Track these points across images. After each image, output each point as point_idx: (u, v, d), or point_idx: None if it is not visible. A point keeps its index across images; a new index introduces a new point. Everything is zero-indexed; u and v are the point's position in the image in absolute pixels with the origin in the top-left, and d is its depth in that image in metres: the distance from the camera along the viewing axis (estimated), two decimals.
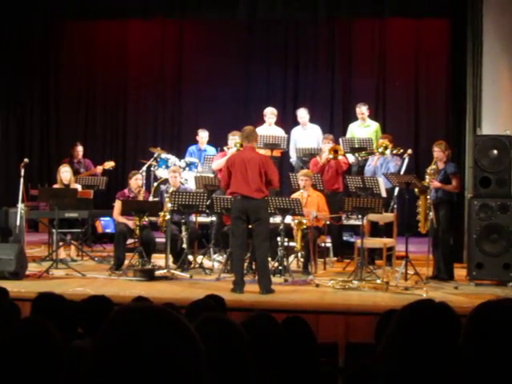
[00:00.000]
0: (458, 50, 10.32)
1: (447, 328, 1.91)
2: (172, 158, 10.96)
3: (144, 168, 10.80)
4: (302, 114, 11.18)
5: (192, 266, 9.30)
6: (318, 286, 8.22)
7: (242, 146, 8.63)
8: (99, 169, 11.24)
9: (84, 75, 13.74)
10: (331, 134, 10.64)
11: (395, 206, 9.27)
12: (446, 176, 8.59)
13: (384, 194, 9.37)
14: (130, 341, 1.36)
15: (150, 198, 9.91)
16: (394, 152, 9.86)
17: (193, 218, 9.84)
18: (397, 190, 9.22)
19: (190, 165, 10.85)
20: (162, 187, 10.08)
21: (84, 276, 8.66)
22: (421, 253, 9.19)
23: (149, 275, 8.58)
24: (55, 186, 10.10)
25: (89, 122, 13.72)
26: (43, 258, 9.62)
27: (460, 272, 8.77)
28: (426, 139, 12.20)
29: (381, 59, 13.01)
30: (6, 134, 12.98)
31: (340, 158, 10.11)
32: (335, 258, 10.16)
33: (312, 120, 11.32)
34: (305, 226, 8.77)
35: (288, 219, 8.76)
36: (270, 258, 8.45)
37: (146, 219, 9.23)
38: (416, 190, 8.64)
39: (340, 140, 10.48)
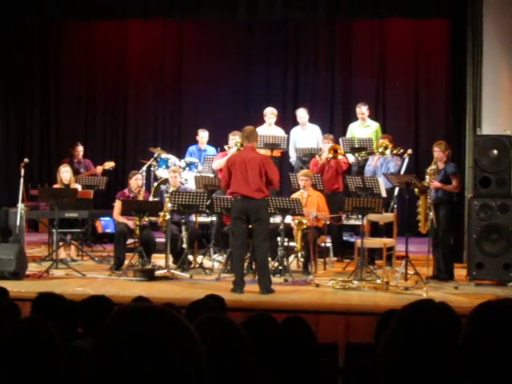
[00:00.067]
0: (457, 50, 10.32)
1: (447, 328, 1.91)
2: (172, 158, 10.96)
3: (144, 168, 10.80)
4: (302, 114, 11.18)
5: (192, 266, 9.30)
6: (317, 286, 8.22)
7: (242, 145, 8.64)
8: (99, 169, 11.24)
9: (84, 75, 13.74)
10: (331, 134, 10.64)
11: (395, 206, 9.27)
12: (446, 176, 8.59)
13: (384, 194, 9.37)
14: (130, 341, 1.36)
15: (150, 198, 9.91)
16: (394, 152, 9.86)
17: (193, 218, 9.84)
18: (397, 189, 9.22)
19: (190, 165, 10.85)
20: (162, 187, 10.08)
21: (84, 276, 8.66)
22: (421, 253, 9.19)
23: (149, 275, 8.58)
24: (55, 186, 10.10)
25: (89, 121, 13.72)
26: (43, 258, 9.62)
27: (460, 272, 8.77)
28: (426, 139, 12.20)
29: (381, 59, 13.01)
30: (6, 134, 12.98)
31: (340, 157, 10.11)
32: (335, 258, 10.16)
33: (312, 120, 11.32)
34: (305, 226, 8.77)
35: (288, 219, 8.76)
36: (270, 258, 8.45)
37: (146, 219, 9.23)
38: (416, 190, 8.64)
39: (340, 140, 10.48)
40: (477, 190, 8.61)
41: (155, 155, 11.03)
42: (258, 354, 2.36)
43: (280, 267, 8.66)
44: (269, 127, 10.92)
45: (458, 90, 10.23)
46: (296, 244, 8.92)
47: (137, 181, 9.71)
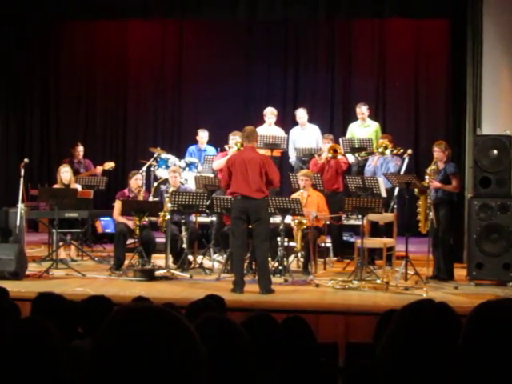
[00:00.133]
0: (458, 49, 10.32)
1: (447, 328, 1.91)
2: (172, 158, 10.96)
3: (144, 168, 10.80)
4: (301, 114, 11.18)
5: (192, 266, 9.30)
6: (317, 285, 8.22)
7: (242, 145, 8.64)
8: (99, 169, 11.24)
9: (84, 75, 13.74)
10: (331, 134, 10.65)
11: (395, 206, 9.27)
12: (445, 176, 8.59)
13: (384, 194, 9.37)
14: (129, 341, 1.36)
15: (150, 198, 9.91)
16: (394, 152, 9.86)
17: (193, 217, 9.84)
18: (397, 189, 9.21)
19: (190, 165, 10.85)
20: (162, 187, 10.08)
21: (84, 276, 8.66)
22: (421, 253, 9.19)
23: (149, 275, 8.58)
24: (55, 186, 10.10)
25: (89, 122, 13.73)
26: (43, 258, 9.62)
27: (460, 272, 8.77)
28: (426, 139, 12.20)
29: (381, 59, 13.01)
30: (6, 134, 12.98)
31: (339, 157, 10.11)
32: (335, 258, 10.16)
33: (312, 120, 11.32)
34: (305, 226, 8.77)
35: (288, 219, 8.76)
36: (270, 258, 8.45)
37: (146, 219, 9.23)
38: (416, 190, 8.64)
39: (340, 140, 10.48)
40: (477, 189, 8.61)
41: (155, 155, 11.03)
42: (258, 354, 2.36)
43: (280, 267, 8.66)
44: (269, 127, 10.92)
45: (458, 90, 10.23)
46: (296, 244, 8.92)
47: (137, 181, 9.71)
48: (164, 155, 11.06)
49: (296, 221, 8.77)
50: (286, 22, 12.98)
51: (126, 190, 9.75)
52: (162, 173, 10.84)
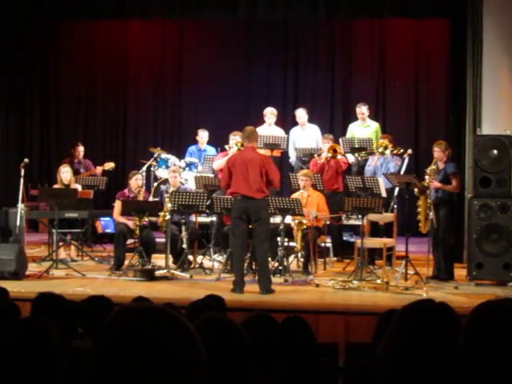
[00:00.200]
0: (458, 49, 10.32)
1: (447, 328, 1.91)
2: (172, 158, 10.96)
3: (144, 168, 10.80)
4: (301, 114, 11.17)
5: (192, 266, 9.30)
6: (318, 285, 8.22)
7: (242, 145, 8.64)
8: (99, 169, 11.23)
9: (84, 75, 13.74)
10: (331, 134, 10.65)
11: (395, 206, 9.27)
12: (445, 176, 8.59)
13: (384, 194, 9.37)
14: (130, 341, 1.36)
15: (150, 198, 9.91)
16: (394, 152, 9.86)
17: (193, 218, 9.84)
18: (397, 189, 9.21)
19: (190, 165, 10.85)
20: (162, 187, 10.08)
21: (84, 276, 8.66)
22: (421, 253, 9.19)
23: (149, 275, 8.58)
24: (55, 186, 10.10)
25: (89, 122, 13.73)
26: (43, 258, 9.62)
27: (460, 272, 8.77)
28: (426, 139, 12.20)
29: (381, 59, 13.01)
30: (6, 134, 12.98)
31: (339, 157, 10.11)
32: (335, 258, 10.16)
33: (312, 120, 11.32)
34: (305, 226, 8.77)
35: (288, 219, 8.76)
36: (270, 258, 8.45)
37: (146, 219, 9.23)
38: (416, 190, 8.64)
39: (340, 140, 10.48)
40: (477, 189, 8.61)
41: (155, 155, 11.03)
42: (258, 353, 2.36)
43: (280, 267, 8.66)
44: (269, 127, 10.92)
45: (458, 90, 10.23)
46: (296, 244, 8.92)
47: (137, 181, 9.72)
48: (164, 155, 11.06)
49: (296, 221, 8.78)
50: (286, 22, 12.98)
51: (125, 190, 9.75)
52: (162, 173, 10.84)
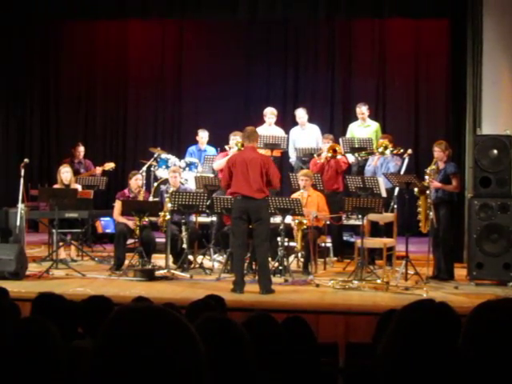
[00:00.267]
0: (457, 49, 10.31)
1: (447, 328, 1.91)
2: (172, 158, 10.96)
3: (144, 168, 10.80)
4: (301, 114, 11.17)
5: (192, 266, 9.30)
6: (318, 285, 8.22)
7: (242, 145, 8.64)
8: (99, 170, 11.23)
9: (84, 75, 13.74)
10: (331, 134, 10.65)
11: (395, 206, 9.27)
12: (446, 176, 8.59)
13: (384, 194, 9.37)
14: (130, 341, 1.36)
15: (150, 198, 9.91)
16: (394, 152, 9.86)
17: (193, 218, 9.84)
18: (397, 189, 9.22)
19: (190, 165, 10.85)
20: (162, 187, 10.08)
21: (84, 276, 8.66)
22: (421, 253, 9.19)
23: (149, 275, 8.58)
24: (55, 186, 10.10)
25: (89, 122, 13.73)
26: (43, 258, 9.62)
27: (460, 272, 8.77)
28: (426, 139, 12.20)
29: (381, 59, 13.01)
30: (6, 134, 12.98)
31: (339, 157, 10.11)
32: (335, 258, 10.16)
33: (312, 120, 11.32)
34: (305, 226, 8.77)
35: (288, 219, 8.76)
36: (270, 258, 8.45)
37: (146, 219, 9.23)
38: (416, 190, 8.64)
39: (340, 140, 10.48)
40: (477, 189, 8.61)
41: (155, 155, 11.03)
42: (258, 353, 2.36)
43: (280, 267, 8.66)
44: (269, 127, 10.92)
45: (458, 90, 10.23)
46: (296, 244, 8.92)
47: (137, 181, 9.72)
48: (164, 155, 11.06)
49: (296, 221, 8.78)
50: (286, 22, 12.98)
51: (126, 190, 9.75)
52: (162, 173, 10.84)
